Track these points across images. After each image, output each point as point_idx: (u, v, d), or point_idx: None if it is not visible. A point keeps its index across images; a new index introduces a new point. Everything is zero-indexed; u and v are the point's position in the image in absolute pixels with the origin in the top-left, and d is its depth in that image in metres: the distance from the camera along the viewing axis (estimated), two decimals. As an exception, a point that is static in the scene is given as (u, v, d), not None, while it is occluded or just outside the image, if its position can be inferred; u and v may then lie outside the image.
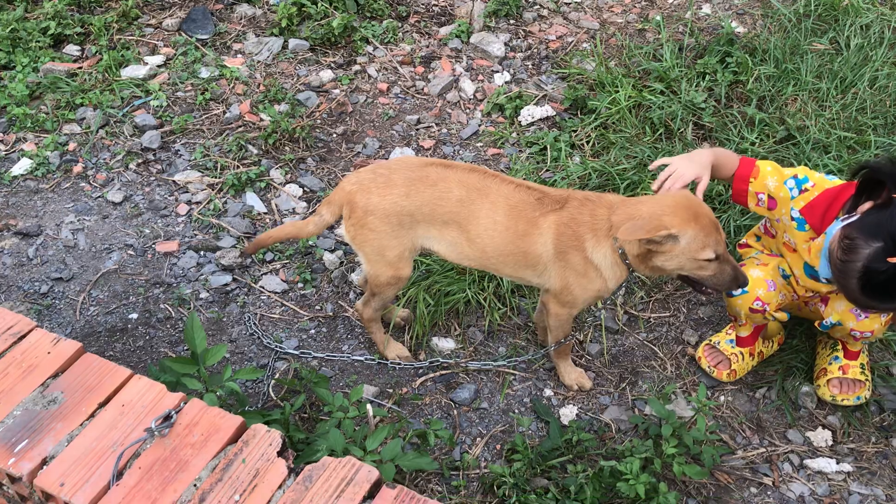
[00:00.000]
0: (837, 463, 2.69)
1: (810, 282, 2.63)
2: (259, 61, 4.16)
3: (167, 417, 1.89)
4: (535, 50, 4.36)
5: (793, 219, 2.54)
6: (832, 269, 2.31)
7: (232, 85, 4.02)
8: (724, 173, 2.62)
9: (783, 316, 2.72)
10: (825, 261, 2.35)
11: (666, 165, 2.54)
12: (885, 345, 3.01)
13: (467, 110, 4.03)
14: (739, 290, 2.66)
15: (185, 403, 1.94)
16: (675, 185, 2.45)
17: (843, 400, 2.79)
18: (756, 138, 3.62)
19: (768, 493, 2.63)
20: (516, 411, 2.82)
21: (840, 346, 2.85)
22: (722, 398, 2.89)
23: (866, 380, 2.81)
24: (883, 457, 2.73)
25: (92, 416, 1.91)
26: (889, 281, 2.18)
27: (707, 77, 3.92)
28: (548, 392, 2.89)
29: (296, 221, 2.76)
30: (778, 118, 3.70)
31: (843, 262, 2.25)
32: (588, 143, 3.75)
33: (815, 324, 2.73)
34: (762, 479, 2.66)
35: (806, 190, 2.50)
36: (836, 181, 2.51)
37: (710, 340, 2.96)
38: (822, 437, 2.76)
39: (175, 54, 4.16)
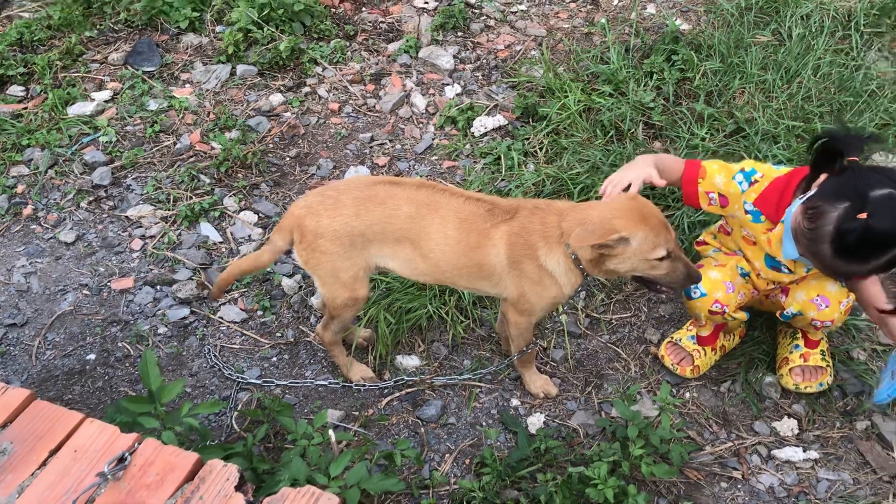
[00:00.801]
0: (804, 451, 2.71)
1: (772, 273, 2.65)
2: (208, 90, 4.14)
3: (121, 459, 1.86)
4: (485, 60, 4.37)
5: (747, 212, 2.55)
6: (800, 241, 2.27)
7: (181, 115, 3.99)
8: (671, 178, 2.63)
9: (742, 316, 2.73)
10: (788, 241, 2.33)
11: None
12: (845, 329, 3.04)
13: (420, 125, 4.03)
14: (699, 293, 2.66)
15: (140, 444, 1.91)
16: (616, 189, 2.44)
17: (805, 387, 2.81)
18: (706, 133, 3.65)
19: (738, 486, 2.64)
20: (484, 424, 2.81)
21: (800, 335, 2.88)
22: (687, 395, 2.89)
23: (827, 366, 2.84)
24: (848, 441, 2.75)
25: (43, 464, 1.87)
26: (861, 239, 2.13)
27: (655, 76, 3.96)
28: (514, 402, 2.88)
29: (251, 254, 2.73)
30: (726, 112, 3.74)
31: (811, 231, 2.21)
32: (541, 149, 3.76)
33: (777, 314, 2.75)
34: (731, 473, 2.67)
35: (756, 181, 2.52)
36: (783, 169, 2.52)
37: (672, 338, 2.97)
38: (788, 426, 2.78)
39: (122, 88, 4.12)
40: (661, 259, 2.37)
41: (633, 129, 3.72)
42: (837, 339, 3.01)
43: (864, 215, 2.10)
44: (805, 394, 2.84)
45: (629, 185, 2.45)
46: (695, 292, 2.68)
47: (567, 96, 3.87)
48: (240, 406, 2.81)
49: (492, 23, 4.62)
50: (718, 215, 2.77)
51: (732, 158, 3.50)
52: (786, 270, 2.59)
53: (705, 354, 2.90)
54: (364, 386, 2.86)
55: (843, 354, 2.95)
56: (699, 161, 2.61)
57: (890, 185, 2.13)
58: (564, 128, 3.78)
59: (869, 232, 2.10)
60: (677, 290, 2.52)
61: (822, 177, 2.28)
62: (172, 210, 3.52)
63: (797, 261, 2.45)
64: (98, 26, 4.45)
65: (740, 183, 2.53)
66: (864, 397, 2.84)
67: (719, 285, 2.65)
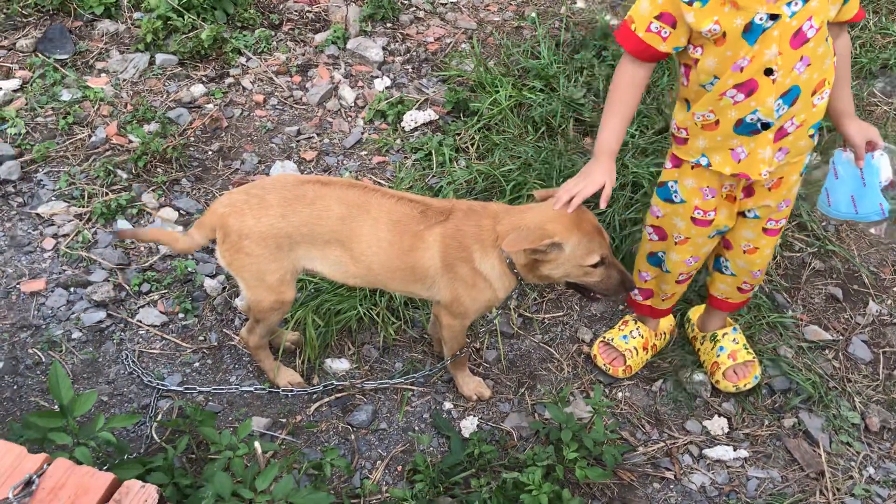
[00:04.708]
0: (734, 450, 2.73)
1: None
2: (125, 80, 3.95)
3: (28, 483, 1.73)
4: (414, 53, 4.29)
5: (688, 1, 2.12)
6: None
7: (96, 107, 3.79)
8: (635, 100, 2.35)
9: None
10: None
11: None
12: (772, 327, 3.08)
13: (349, 118, 3.92)
14: (664, 269, 2.64)
15: (49, 465, 1.78)
16: (573, 203, 2.29)
17: (745, 385, 2.82)
18: (636, 130, 3.65)
19: (671, 486, 2.64)
20: (416, 429, 2.75)
21: (720, 335, 2.87)
22: (620, 394, 2.89)
23: (753, 357, 2.86)
24: (776, 438, 2.78)
25: (-60, 491, 1.73)
26: None
27: (585, 72, 3.94)
28: (447, 405, 2.83)
29: (174, 231, 2.61)
30: (655, 109, 3.75)
31: None
32: (472, 145, 3.70)
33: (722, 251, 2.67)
34: (664, 474, 2.67)
35: None
36: None
37: (605, 337, 2.95)
38: (718, 424, 2.79)
39: (32, 77, 3.89)
40: (594, 265, 2.34)
41: (563, 126, 3.70)
42: (765, 337, 3.05)
43: None
44: (744, 391, 2.85)
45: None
46: (664, 265, 2.67)
47: (498, 91, 3.82)
48: (160, 415, 2.68)
49: (421, 14, 4.54)
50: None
51: (661, 155, 3.52)
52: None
53: (637, 354, 2.89)
54: (292, 391, 2.76)
55: (771, 352, 2.99)
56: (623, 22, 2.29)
57: None
58: (496, 123, 3.73)
59: None
60: (611, 297, 2.49)
61: None
62: (87, 207, 3.34)
63: None
64: (5, 10, 4.19)
65: None
66: (791, 395, 2.89)
67: (695, 193, 2.47)
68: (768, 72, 2.15)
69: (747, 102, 2.20)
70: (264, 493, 2.13)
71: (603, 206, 2.30)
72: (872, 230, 2.70)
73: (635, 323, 2.92)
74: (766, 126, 2.24)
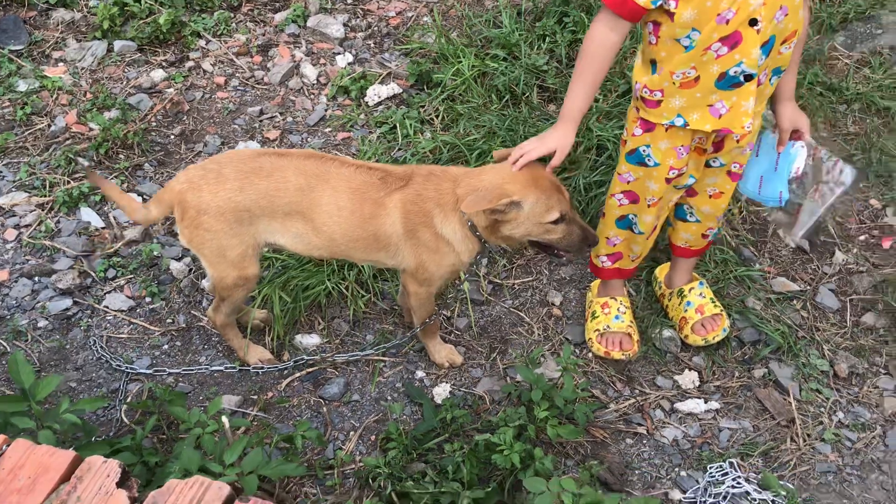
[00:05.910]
0: (706, 402, 2.75)
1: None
2: (83, 68, 3.90)
3: (-13, 465, 1.72)
4: (376, 28, 4.26)
5: None
6: None
7: (55, 96, 3.74)
8: (603, 69, 2.33)
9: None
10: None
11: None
12: (739, 280, 3.09)
13: (312, 96, 3.89)
14: (637, 230, 2.64)
15: (8, 446, 1.77)
16: (524, 160, 2.32)
17: (714, 338, 2.83)
18: (599, 95, 3.64)
19: (643, 441, 2.66)
20: (389, 399, 2.75)
21: (686, 290, 2.88)
22: (590, 354, 2.89)
23: (721, 310, 2.87)
24: (747, 389, 2.80)
25: None
26: None
27: (547, 39, 3.92)
28: (420, 374, 2.83)
29: (133, 199, 2.57)
30: (618, 73, 3.74)
31: None
32: (437, 116, 3.68)
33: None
34: (636, 429, 2.68)
35: None
36: None
37: (598, 329, 2.84)
38: (689, 378, 2.81)
39: (-13, 69, 3.84)
40: (555, 222, 2.34)
41: (527, 93, 3.68)
42: (733, 291, 3.06)
43: None
44: (713, 344, 2.86)
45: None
46: (635, 227, 2.65)
47: (461, 62, 3.80)
48: (129, 398, 2.66)
49: (382, -11, 4.50)
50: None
51: (625, 118, 3.51)
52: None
53: (634, 325, 2.86)
54: (262, 368, 2.75)
55: (739, 304, 3.00)
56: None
57: None
58: (460, 94, 3.72)
59: None
60: (574, 254, 2.49)
61: None
62: (49, 196, 3.31)
63: None
64: (-43, 3, 4.13)
65: None
66: (760, 346, 2.90)
67: (670, 153, 2.43)
68: (752, 22, 2.12)
69: (731, 55, 2.17)
70: (233, 467, 2.13)
71: (547, 171, 2.34)
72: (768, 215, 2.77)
73: (614, 300, 2.87)
74: (748, 78, 2.22)
